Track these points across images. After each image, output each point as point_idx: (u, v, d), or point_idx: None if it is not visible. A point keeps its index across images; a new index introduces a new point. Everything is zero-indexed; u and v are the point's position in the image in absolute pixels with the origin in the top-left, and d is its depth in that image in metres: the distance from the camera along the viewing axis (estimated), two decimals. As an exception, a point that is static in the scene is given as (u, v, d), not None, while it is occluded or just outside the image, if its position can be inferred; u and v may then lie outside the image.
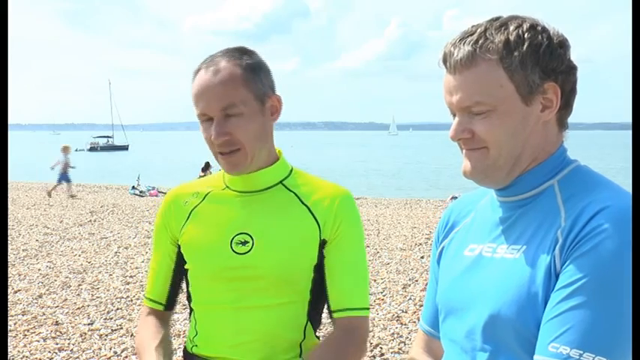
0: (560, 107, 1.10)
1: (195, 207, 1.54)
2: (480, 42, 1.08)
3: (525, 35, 1.07)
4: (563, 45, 1.09)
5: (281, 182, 1.52)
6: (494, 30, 1.09)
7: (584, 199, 1.05)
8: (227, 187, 1.53)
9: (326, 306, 1.51)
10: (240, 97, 1.39)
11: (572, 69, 1.10)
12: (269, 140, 1.49)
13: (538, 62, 1.06)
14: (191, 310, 1.56)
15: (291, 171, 1.55)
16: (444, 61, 1.12)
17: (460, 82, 1.09)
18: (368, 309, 1.49)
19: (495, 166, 1.12)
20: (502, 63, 1.07)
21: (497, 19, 1.11)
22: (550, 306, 1.00)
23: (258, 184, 1.50)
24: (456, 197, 17.20)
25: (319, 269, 1.48)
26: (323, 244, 1.47)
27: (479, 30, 1.09)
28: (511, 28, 1.08)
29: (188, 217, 1.53)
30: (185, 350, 1.58)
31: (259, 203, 1.49)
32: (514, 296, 1.05)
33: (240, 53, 1.44)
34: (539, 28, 1.08)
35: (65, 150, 16.14)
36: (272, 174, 1.51)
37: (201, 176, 16.59)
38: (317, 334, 1.56)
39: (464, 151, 1.15)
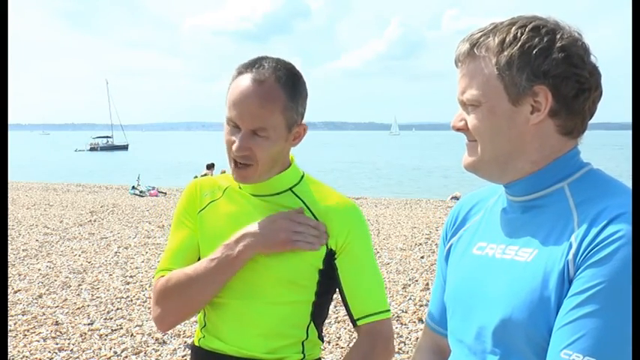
0: (555, 112, 1.07)
1: (214, 200, 1.56)
2: (481, 39, 1.10)
3: (523, 37, 1.07)
4: (565, 49, 1.06)
5: (290, 189, 1.53)
6: (500, 29, 1.10)
7: (598, 204, 1.04)
8: (240, 187, 1.56)
9: (347, 316, 1.52)
10: (274, 123, 1.40)
11: (575, 74, 1.06)
12: (283, 158, 1.51)
13: (529, 64, 1.06)
14: None
15: (302, 177, 1.57)
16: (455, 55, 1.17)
17: (460, 75, 1.15)
18: (389, 310, 1.51)
19: (483, 160, 1.13)
20: (493, 61, 1.09)
21: (516, 17, 1.12)
22: (563, 312, 0.99)
23: (269, 189, 1.52)
24: (457, 197, 17.21)
25: (325, 274, 1.49)
26: (330, 253, 1.48)
27: (489, 28, 1.12)
28: (514, 27, 1.08)
29: (204, 208, 1.56)
30: (193, 344, 1.61)
31: (269, 206, 1.51)
32: (526, 300, 1.05)
33: (288, 75, 1.42)
34: (544, 30, 1.07)
35: None
36: (282, 180, 1.53)
37: (204, 174, 16.59)
38: (320, 334, 1.58)
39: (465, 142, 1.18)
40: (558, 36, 1.07)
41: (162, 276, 1.51)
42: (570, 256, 1.01)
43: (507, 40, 1.07)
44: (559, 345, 0.98)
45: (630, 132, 1.20)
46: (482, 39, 1.10)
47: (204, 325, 1.56)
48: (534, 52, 1.06)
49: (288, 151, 1.53)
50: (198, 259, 1.54)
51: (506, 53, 1.07)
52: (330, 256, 1.48)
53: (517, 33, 1.07)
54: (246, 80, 1.40)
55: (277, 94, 1.40)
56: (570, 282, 1.00)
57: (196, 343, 1.58)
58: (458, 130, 1.17)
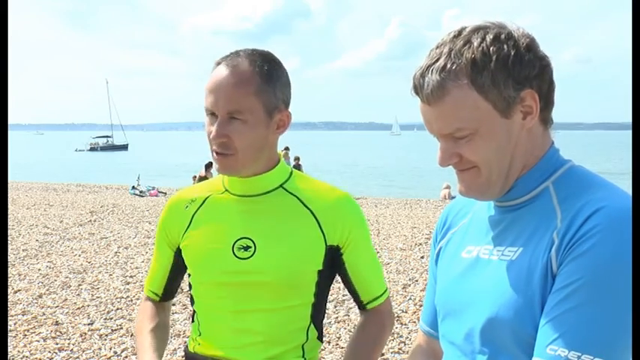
0: (541, 109, 1.09)
1: (196, 212, 1.53)
2: (447, 67, 1.05)
3: (491, 50, 1.04)
4: (530, 48, 1.07)
5: (281, 186, 1.51)
6: (459, 49, 1.06)
7: (579, 200, 1.04)
8: (226, 190, 1.53)
9: (351, 299, 1.61)
10: (249, 105, 1.37)
11: (544, 67, 1.08)
12: (268, 150, 1.47)
13: (510, 75, 1.04)
14: (194, 312, 1.56)
15: (291, 174, 1.55)
16: (416, 92, 1.10)
17: (437, 112, 1.08)
18: (387, 289, 1.61)
19: (489, 182, 1.12)
20: (473, 85, 1.05)
21: (459, 33, 1.08)
22: (547, 308, 1.00)
23: (258, 188, 1.49)
24: (447, 188, 17.23)
25: (324, 274, 1.48)
26: (331, 250, 1.47)
27: (444, 52, 1.06)
28: (475, 44, 1.05)
29: (190, 223, 1.53)
30: (187, 350, 1.58)
31: (260, 207, 1.48)
32: (511, 298, 1.05)
33: (264, 60, 1.41)
34: (504, 36, 1.06)
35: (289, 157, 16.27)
36: (271, 178, 1.50)
37: (202, 176, 16.61)
38: (319, 335, 1.56)
39: (456, 171, 1.15)
40: (516, 37, 1.07)
41: (147, 297, 1.67)
42: (552, 252, 1.02)
43: (478, 58, 1.04)
44: (545, 341, 0.98)
45: (630, 132, 1.20)
46: (448, 67, 1.05)
47: (200, 334, 1.53)
48: (510, 61, 1.04)
49: (274, 141, 1.49)
50: (185, 273, 1.61)
51: (485, 72, 1.04)
52: (332, 253, 1.48)
53: (483, 48, 1.04)
54: (221, 68, 1.40)
55: (250, 75, 1.38)
56: (554, 278, 1.01)
57: (191, 350, 1.56)
58: (449, 164, 1.13)
